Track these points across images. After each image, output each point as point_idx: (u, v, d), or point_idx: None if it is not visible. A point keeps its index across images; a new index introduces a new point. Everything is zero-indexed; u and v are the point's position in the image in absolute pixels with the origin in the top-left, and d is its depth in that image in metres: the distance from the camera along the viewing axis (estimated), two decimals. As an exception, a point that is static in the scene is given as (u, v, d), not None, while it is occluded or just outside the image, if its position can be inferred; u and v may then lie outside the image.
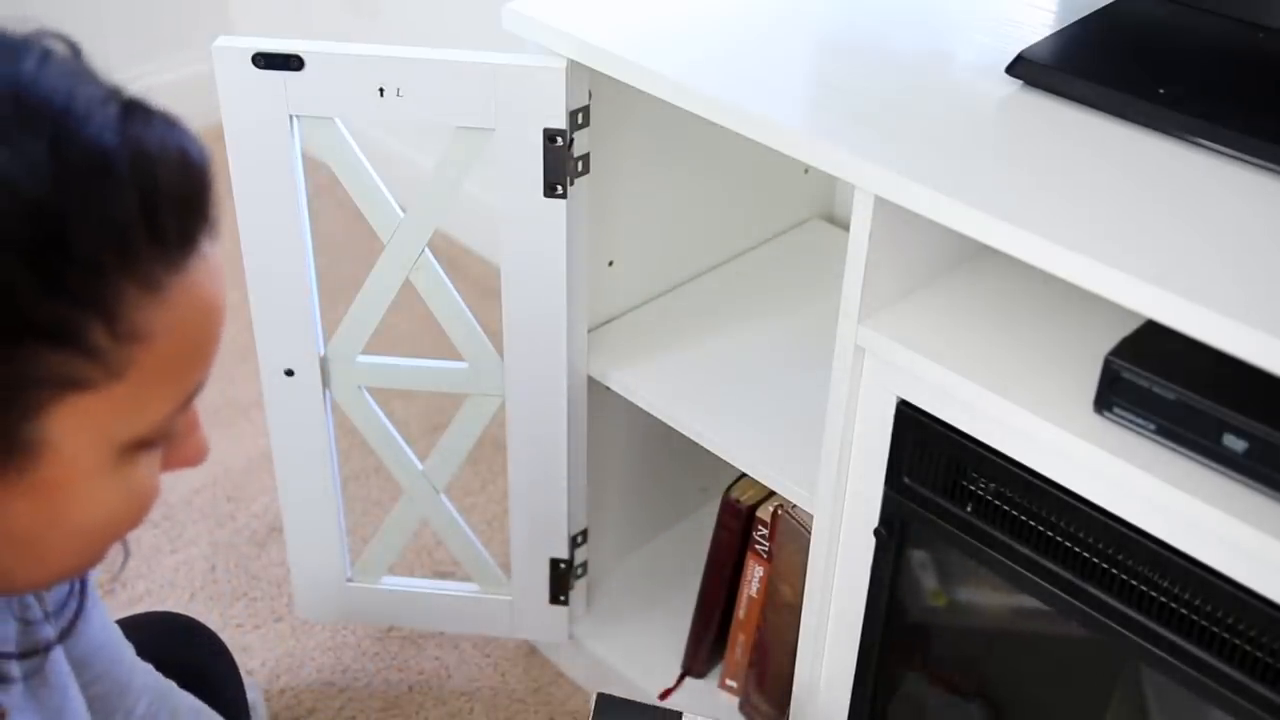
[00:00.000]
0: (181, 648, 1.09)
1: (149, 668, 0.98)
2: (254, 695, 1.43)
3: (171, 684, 1.00)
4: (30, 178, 0.54)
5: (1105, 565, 0.88)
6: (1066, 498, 0.88)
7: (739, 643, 1.39)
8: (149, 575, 1.64)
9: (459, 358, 1.30)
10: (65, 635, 0.88)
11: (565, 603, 1.43)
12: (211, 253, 0.61)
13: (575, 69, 1.11)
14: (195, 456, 0.68)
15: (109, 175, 0.56)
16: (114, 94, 0.59)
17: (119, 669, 0.94)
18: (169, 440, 0.65)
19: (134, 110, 0.59)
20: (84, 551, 0.65)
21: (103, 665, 0.92)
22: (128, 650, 0.96)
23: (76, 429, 0.59)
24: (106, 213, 0.56)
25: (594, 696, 1.05)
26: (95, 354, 0.57)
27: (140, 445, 0.62)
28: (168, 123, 0.60)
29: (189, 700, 1.01)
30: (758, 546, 1.32)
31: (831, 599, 1.12)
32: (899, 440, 0.99)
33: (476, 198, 1.66)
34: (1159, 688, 0.98)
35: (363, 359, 1.31)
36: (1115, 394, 0.84)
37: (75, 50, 0.61)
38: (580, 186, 1.19)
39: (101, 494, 0.62)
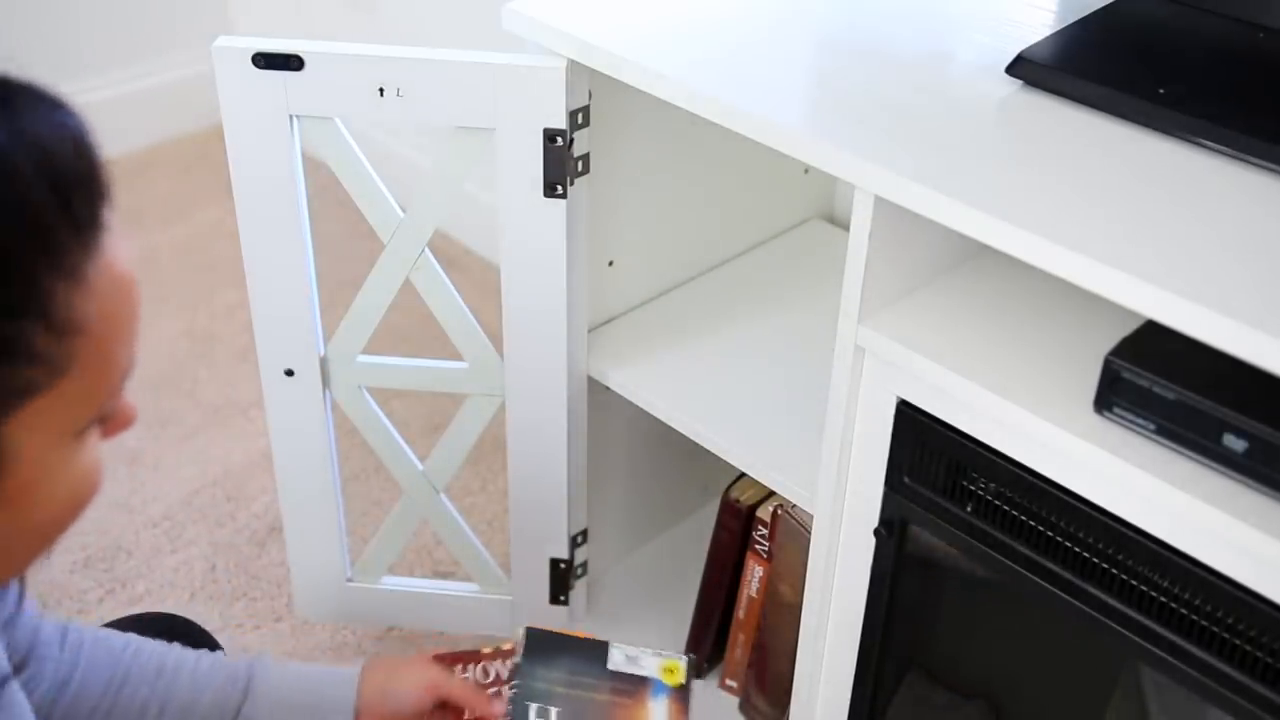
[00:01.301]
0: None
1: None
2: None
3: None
4: None
5: (1105, 565, 0.88)
6: (1066, 498, 0.88)
7: (739, 643, 1.39)
8: (149, 575, 1.64)
9: (459, 358, 1.30)
10: (9, 624, 0.88)
11: (565, 603, 1.43)
12: (114, 225, 0.60)
13: (575, 69, 1.11)
14: (129, 419, 0.67)
15: (15, 175, 0.54)
16: None
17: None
18: (108, 413, 0.65)
19: (11, 98, 0.56)
20: (47, 543, 0.65)
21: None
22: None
23: (35, 433, 0.58)
24: (25, 215, 0.54)
25: (522, 630, 1.06)
26: (40, 358, 0.56)
27: (87, 428, 0.62)
28: (47, 103, 0.58)
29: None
30: (758, 546, 1.32)
31: (831, 599, 1.12)
32: (899, 440, 0.99)
33: (476, 198, 1.67)
34: (1159, 687, 0.98)
35: (363, 359, 1.31)
36: (1115, 394, 0.84)
37: None
38: (580, 186, 1.19)
39: (62, 485, 0.62)
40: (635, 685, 1.05)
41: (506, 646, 1.10)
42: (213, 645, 1.12)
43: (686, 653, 1.08)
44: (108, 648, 0.97)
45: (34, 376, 0.56)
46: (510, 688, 1.03)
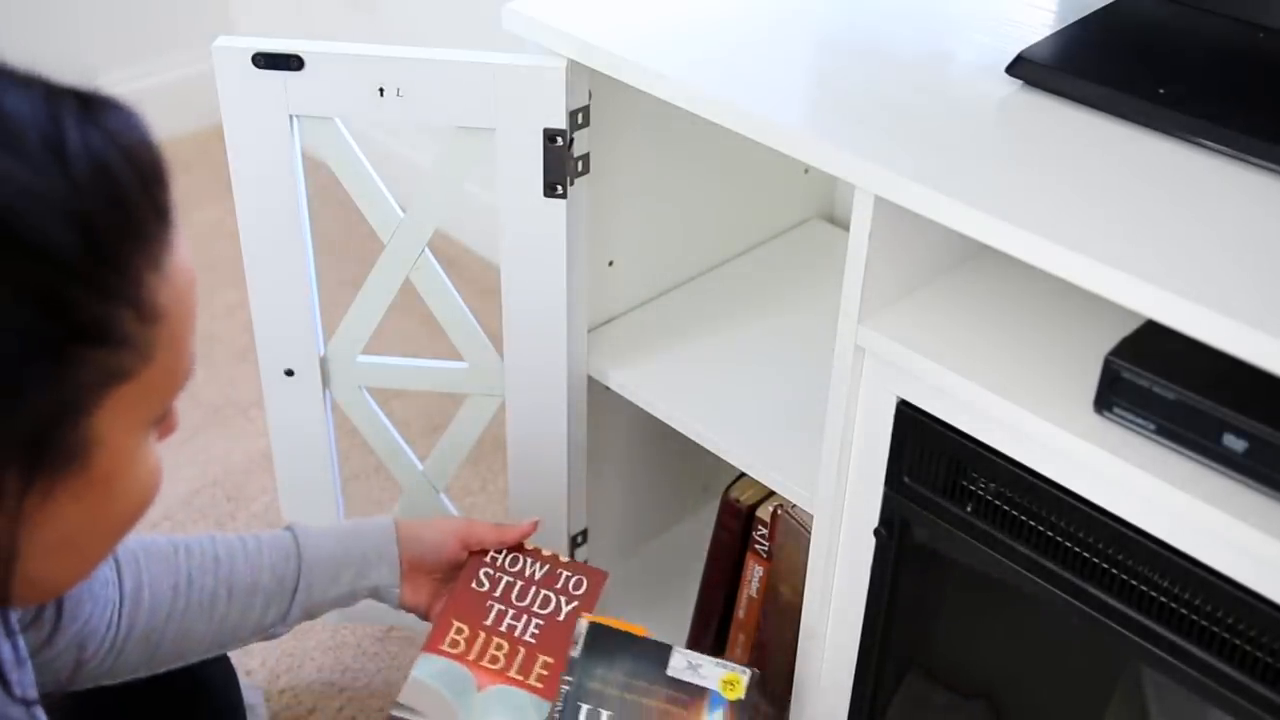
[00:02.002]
0: None
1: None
2: (254, 695, 1.43)
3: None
4: (57, 188, 0.54)
5: (1105, 565, 0.88)
6: (1066, 498, 0.88)
7: (739, 643, 1.39)
8: (149, 575, 1.64)
9: (459, 358, 1.30)
10: (43, 648, 0.88)
11: (565, 603, 1.43)
12: (179, 220, 0.62)
13: (575, 69, 1.11)
14: (175, 423, 0.69)
15: (110, 169, 0.56)
16: (53, 89, 0.59)
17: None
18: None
19: (90, 104, 0.59)
20: (114, 542, 0.66)
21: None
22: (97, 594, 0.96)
23: (120, 419, 0.60)
24: (122, 205, 0.57)
25: (585, 623, 1.06)
26: (131, 343, 0.58)
27: (158, 421, 0.64)
28: (116, 106, 0.60)
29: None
30: (757, 546, 1.32)
31: (831, 599, 1.12)
32: (899, 440, 0.99)
33: (476, 198, 1.66)
34: (1159, 688, 0.98)
35: (363, 359, 1.31)
36: (1115, 394, 0.84)
37: None
38: (580, 186, 1.19)
39: (137, 476, 0.63)
40: (692, 695, 1.04)
41: (547, 553, 1.14)
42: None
43: (750, 666, 1.06)
44: (161, 557, 1.00)
45: (124, 361, 0.58)
46: (563, 683, 1.03)
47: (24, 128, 0.55)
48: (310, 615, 1.07)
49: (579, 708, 1.02)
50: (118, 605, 0.96)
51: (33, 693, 0.77)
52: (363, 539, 1.09)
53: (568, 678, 1.03)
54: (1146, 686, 0.99)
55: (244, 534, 1.06)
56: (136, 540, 1.00)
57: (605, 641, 1.05)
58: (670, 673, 1.04)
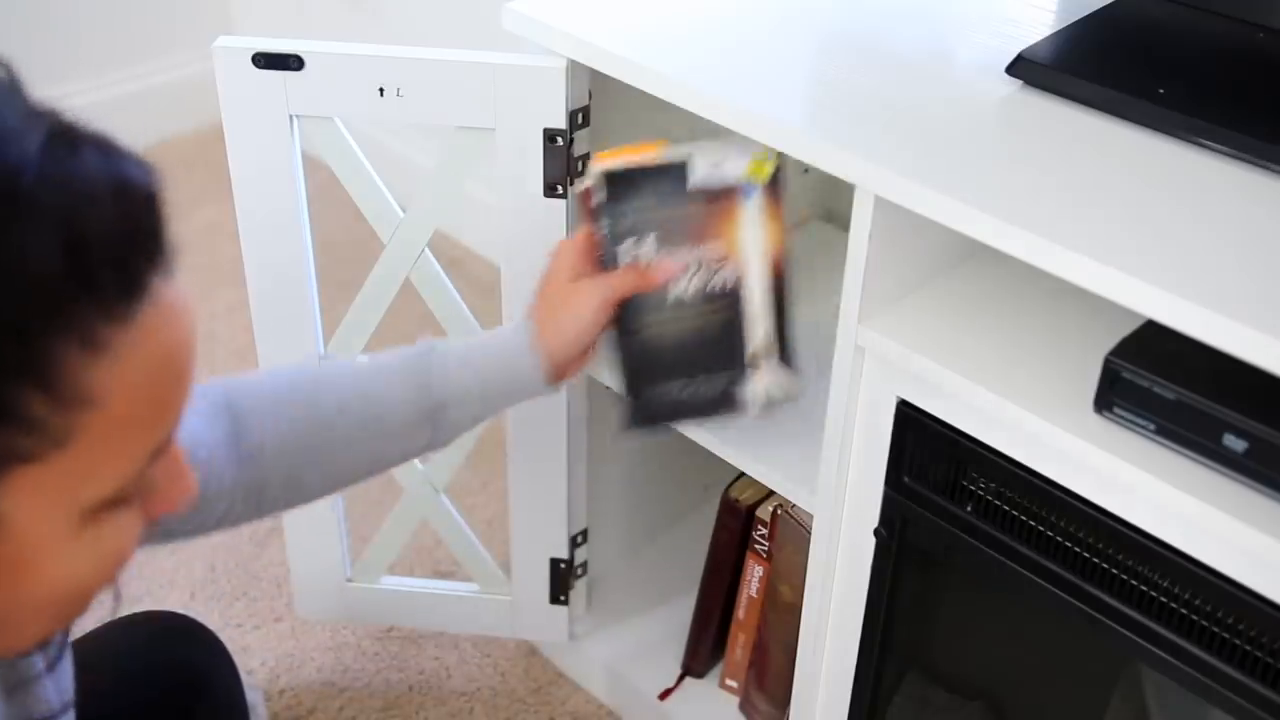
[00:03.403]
0: (181, 648, 1.09)
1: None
2: (254, 695, 1.43)
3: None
4: None
5: (1105, 565, 0.88)
6: (1066, 498, 0.88)
7: (739, 643, 1.39)
8: (149, 575, 1.64)
9: (459, 358, 1.30)
10: (53, 668, 0.88)
11: (565, 603, 1.43)
12: (167, 292, 0.55)
13: (575, 69, 1.11)
14: (179, 501, 0.62)
15: (23, 221, 0.49)
16: (40, 123, 0.52)
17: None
18: (145, 490, 0.60)
19: (63, 144, 0.52)
20: (57, 617, 0.60)
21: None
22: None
23: (28, 501, 0.53)
24: (26, 273, 0.49)
25: (598, 172, 1.02)
26: (34, 425, 0.51)
27: (104, 506, 0.57)
28: (102, 150, 0.53)
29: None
30: (757, 546, 1.32)
31: (831, 599, 1.12)
32: (899, 440, 0.99)
33: (476, 198, 1.66)
34: (1159, 687, 0.98)
35: (363, 359, 1.31)
36: (1115, 394, 0.84)
37: (7, 71, 0.54)
38: (580, 186, 1.19)
39: (66, 562, 0.57)
40: (723, 195, 1.04)
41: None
42: (216, 645, 1.13)
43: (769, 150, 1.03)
44: (296, 402, 0.98)
45: (26, 444, 0.52)
46: (598, 231, 1.04)
47: None
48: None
49: (617, 245, 1.03)
50: (234, 474, 0.94)
51: (58, 702, 0.75)
52: (509, 369, 1.03)
53: (602, 223, 1.03)
54: (1146, 686, 0.99)
55: (383, 358, 1.02)
56: (271, 382, 0.98)
57: (623, 181, 1.03)
58: (695, 184, 1.03)
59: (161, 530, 0.88)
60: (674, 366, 1.09)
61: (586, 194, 1.04)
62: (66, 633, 0.81)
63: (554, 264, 1.06)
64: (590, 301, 1.03)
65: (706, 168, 1.02)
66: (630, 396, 1.11)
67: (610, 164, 1.03)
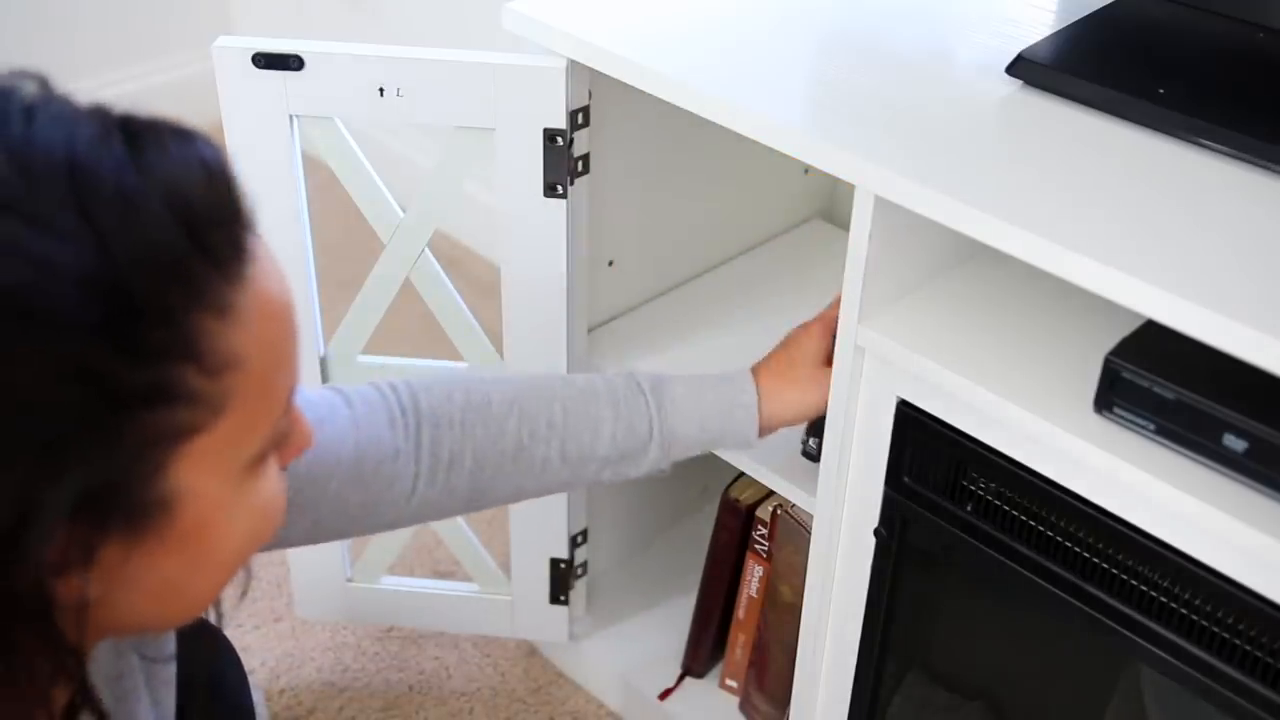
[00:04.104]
0: (191, 648, 1.09)
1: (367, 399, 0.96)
2: (254, 695, 1.43)
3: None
4: (75, 253, 0.51)
5: (1105, 565, 0.88)
6: (1066, 498, 0.88)
7: (739, 643, 1.39)
8: (149, 575, 1.64)
9: (459, 358, 1.30)
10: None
11: (565, 603, 1.43)
12: (261, 250, 0.59)
13: (575, 69, 1.11)
14: (305, 442, 0.67)
15: (145, 218, 0.53)
16: (108, 124, 0.56)
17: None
18: (280, 440, 0.64)
19: (138, 137, 0.55)
20: (225, 579, 0.64)
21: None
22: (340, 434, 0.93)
23: (201, 471, 0.58)
24: (159, 257, 0.53)
25: None
26: (196, 399, 0.55)
27: (257, 461, 0.61)
28: (176, 135, 0.57)
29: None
30: (757, 546, 1.32)
31: (831, 599, 1.12)
32: (899, 440, 0.99)
33: (476, 198, 1.67)
34: (1157, 687, 0.98)
35: (363, 359, 1.31)
36: (1115, 394, 0.84)
37: (45, 84, 0.57)
38: (580, 186, 1.19)
39: (238, 520, 0.61)
40: None
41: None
42: (226, 645, 1.13)
43: None
44: (490, 419, 0.98)
45: (191, 418, 0.56)
46: None
47: (49, 177, 0.52)
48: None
49: None
50: (420, 475, 0.96)
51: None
52: (725, 421, 1.03)
53: None
54: (1145, 686, 0.98)
55: (596, 387, 1.01)
56: (466, 397, 0.98)
57: None
58: None
59: (364, 523, 0.96)
60: None
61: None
62: None
63: (809, 339, 1.06)
64: (822, 394, 1.04)
65: None
66: (815, 429, 1.10)
67: None
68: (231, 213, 0.57)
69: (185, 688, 1.05)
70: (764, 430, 1.05)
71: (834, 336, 1.01)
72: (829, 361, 1.03)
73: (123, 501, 0.56)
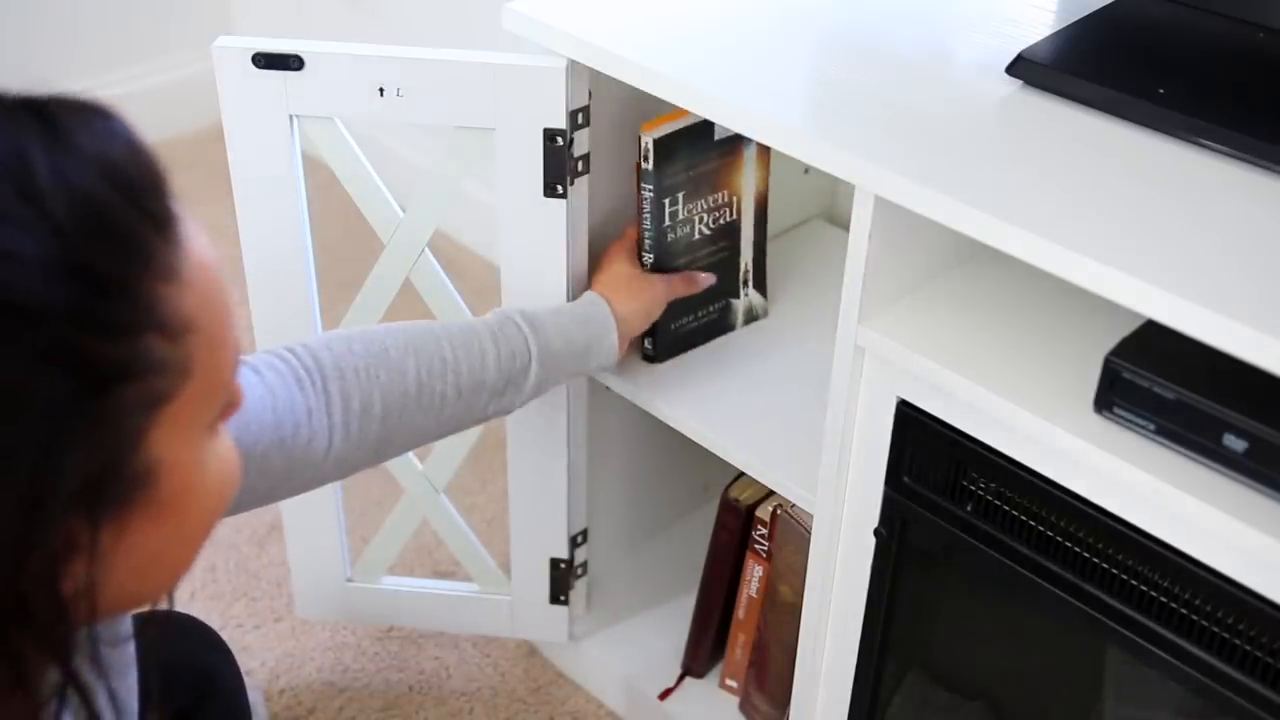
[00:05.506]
0: (184, 648, 1.09)
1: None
2: (254, 695, 1.43)
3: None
4: (35, 241, 0.52)
5: (1105, 565, 0.88)
6: (1066, 498, 0.88)
7: (739, 643, 1.39)
8: (149, 575, 1.64)
9: (459, 358, 1.30)
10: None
11: (565, 603, 1.43)
12: (185, 213, 0.60)
13: (575, 69, 1.11)
14: (239, 400, 0.67)
15: (89, 195, 0.54)
16: (10, 109, 0.55)
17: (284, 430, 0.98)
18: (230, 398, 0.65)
19: (51, 117, 0.55)
20: (199, 547, 0.65)
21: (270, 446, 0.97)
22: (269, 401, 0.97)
23: (174, 438, 0.58)
24: (111, 231, 0.54)
25: (650, 142, 1.17)
26: (164, 366, 0.56)
27: (217, 419, 0.62)
28: (92, 112, 0.57)
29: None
30: (757, 546, 1.32)
31: (831, 599, 1.12)
32: (899, 440, 0.99)
33: (476, 198, 1.67)
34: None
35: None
36: (1115, 394, 0.84)
37: None
38: (580, 186, 1.19)
39: (208, 478, 0.62)
40: (735, 144, 1.23)
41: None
42: (220, 644, 1.13)
43: None
44: (391, 366, 1.05)
45: (163, 385, 0.56)
46: (642, 192, 1.19)
47: None
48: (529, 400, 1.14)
49: (662, 204, 1.20)
50: (334, 428, 1.01)
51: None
52: (588, 330, 1.15)
53: (645, 187, 1.19)
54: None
55: (474, 324, 1.10)
56: (365, 347, 1.04)
57: (666, 146, 1.18)
58: (717, 137, 1.21)
59: (277, 489, 1.01)
60: (688, 303, 1.27)
61: (638, 166, 1.18)
62: None
63: (620, 253, 1.22)
64: (659, 294, 1.21)
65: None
66: (650, 334, 1.26)
67: (657, 132, 1.17)
68: (158, 177, 0.58)
69: (182, 686, 1.05)
70: (622, 338, 1.18)
71: (634, 250, 1.23)
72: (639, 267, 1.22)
73: (114, 480, 0.56)
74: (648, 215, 1.20)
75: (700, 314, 1.29)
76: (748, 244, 1.30)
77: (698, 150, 1.20)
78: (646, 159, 1.17)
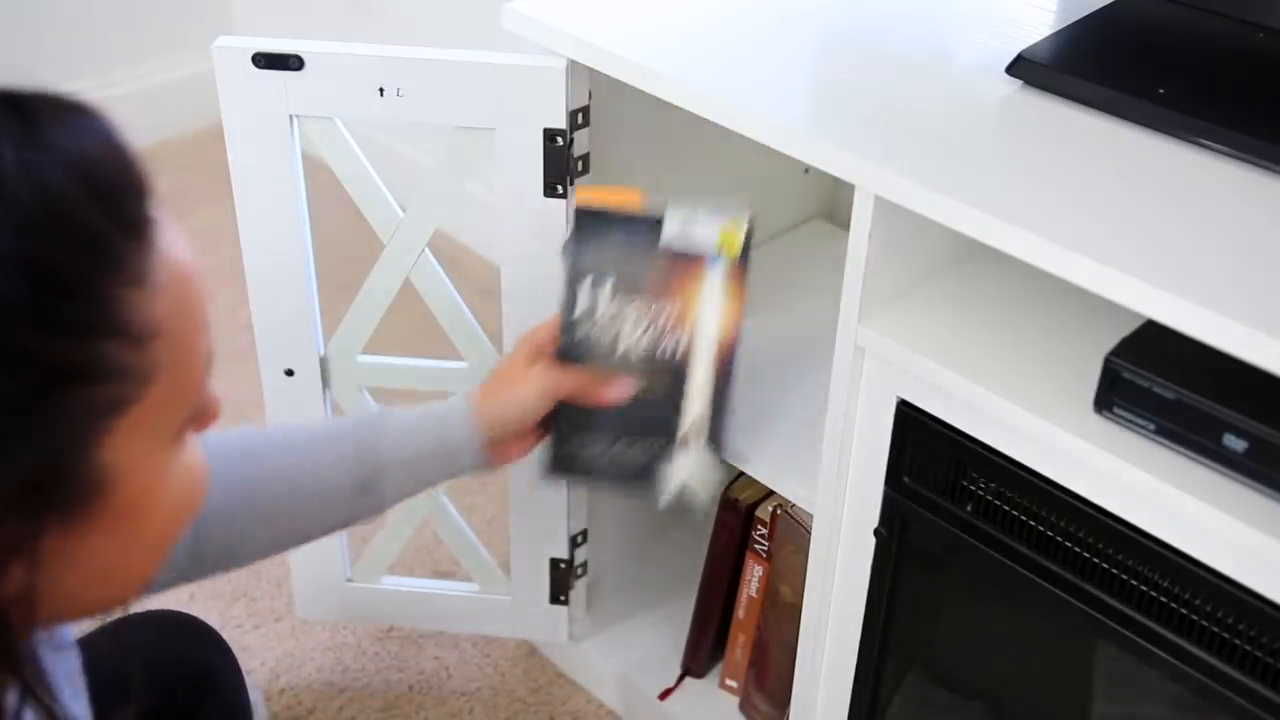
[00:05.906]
0: (184, 645, 1.09)
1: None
2: (254, 695, 1.43)
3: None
4: None
5: (1105, 565, 0.88)
6: (1066, 498, 0.88)
7: (739, 643, 1.39)
8: (149, 575, 1.64)
9: (459, 358, 1.30)
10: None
11: (565, 603, 1.43)
12: (164, 217, 0.59)
13: (575, 69, 1.11)
14: (216, 411, 0.67)
15: (58, 194, 0.53)
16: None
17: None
18: (201, 408, 0.64)
19: (32, 113, 0.55)
20: (160, 558, 0.64)
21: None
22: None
23: (133, 445, 0.57)
24: (77, 232, 0.53)
25: (573, 209, 1.04)
26: (124, 371, 0.55)
27: (183, 429, 0.61)
28: (72, 111, 0.56)
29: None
30: (757, 546, 1.32)
31: (831, 599, 1.12)
32: (899, 440, 0.99)
33: (476, 198, 1.66)
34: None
35: (363, 359, 1.31)
36: (1115, 394, 0.84)
37: None
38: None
39: (170, 493, 0.61)
40: (690, 260, 1.03)
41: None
42: (220, 643, 1.13)
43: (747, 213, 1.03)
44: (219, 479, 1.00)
45: (121, 391, 0.55)
46: (563, 260, 1.05)
47: None
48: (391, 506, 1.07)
49: (579, 283, 1.04)
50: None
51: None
52: (444, 437, 1.04)
53: (566, 259, 1.04)
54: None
55: (315, 434, 1.03)
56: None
57: (595, 223, 1.04)
58: (666, 241, 1.03)
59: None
60: (604, 422, 1.08)
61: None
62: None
63: (518, 344, 1.09)
64: (534, 388, 1.05)
65: (678, 226, 1.03)
66: (553, 444, 1.09)
67: (585, 202, 1.05)
68: (136, 181, 0.57)
69: (181, 685, 1.05)
70: (488, 428, 1.05)
71: (545, 345, 1.06)
72: (547, 361, 1.07)
73: (61, 484, 0.55)
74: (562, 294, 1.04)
75: (615, 441, 1.08)
76: (698, 391, 1.06)
77: (638, 242, 1.04)
78: (569, 226, 1.03)
